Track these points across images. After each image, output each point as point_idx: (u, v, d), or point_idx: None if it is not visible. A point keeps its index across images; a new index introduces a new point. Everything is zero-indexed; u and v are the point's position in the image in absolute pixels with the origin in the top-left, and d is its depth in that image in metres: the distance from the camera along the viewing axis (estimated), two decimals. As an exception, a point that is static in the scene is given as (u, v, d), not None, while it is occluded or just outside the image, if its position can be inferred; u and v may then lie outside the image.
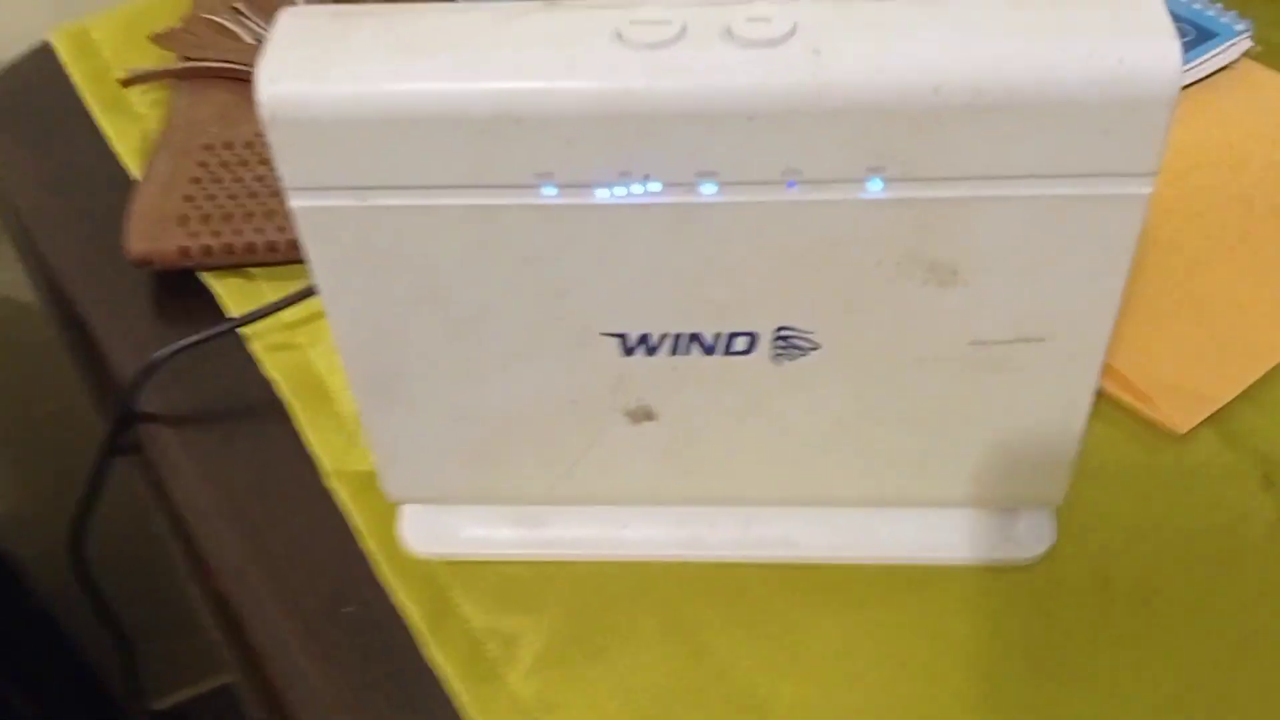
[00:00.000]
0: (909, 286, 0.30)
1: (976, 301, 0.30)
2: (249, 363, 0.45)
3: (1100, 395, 0.41)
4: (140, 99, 0.55)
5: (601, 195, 0.28)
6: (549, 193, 0.28)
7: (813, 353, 0.32)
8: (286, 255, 0.47)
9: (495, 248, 0.30)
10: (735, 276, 0.30)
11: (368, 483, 0.40)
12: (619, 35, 0.27)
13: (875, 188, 0.28)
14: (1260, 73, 0.53)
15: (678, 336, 0.32)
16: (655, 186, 0.28)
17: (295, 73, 0.27)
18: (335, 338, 0.32)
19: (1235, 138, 0.50)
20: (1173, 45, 0.26)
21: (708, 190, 0.28)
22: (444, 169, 0.28)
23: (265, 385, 0.44)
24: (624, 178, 0.28)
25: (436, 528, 0.39)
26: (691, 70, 0.27)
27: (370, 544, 0.39)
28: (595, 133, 0.27)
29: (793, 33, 0.27)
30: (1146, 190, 0.28)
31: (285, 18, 0.28)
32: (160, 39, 0.55)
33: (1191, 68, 0.52)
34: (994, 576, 0.37)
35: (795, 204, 0.28)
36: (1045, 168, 0.27)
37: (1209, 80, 0.53)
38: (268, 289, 0.47)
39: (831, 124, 0.27)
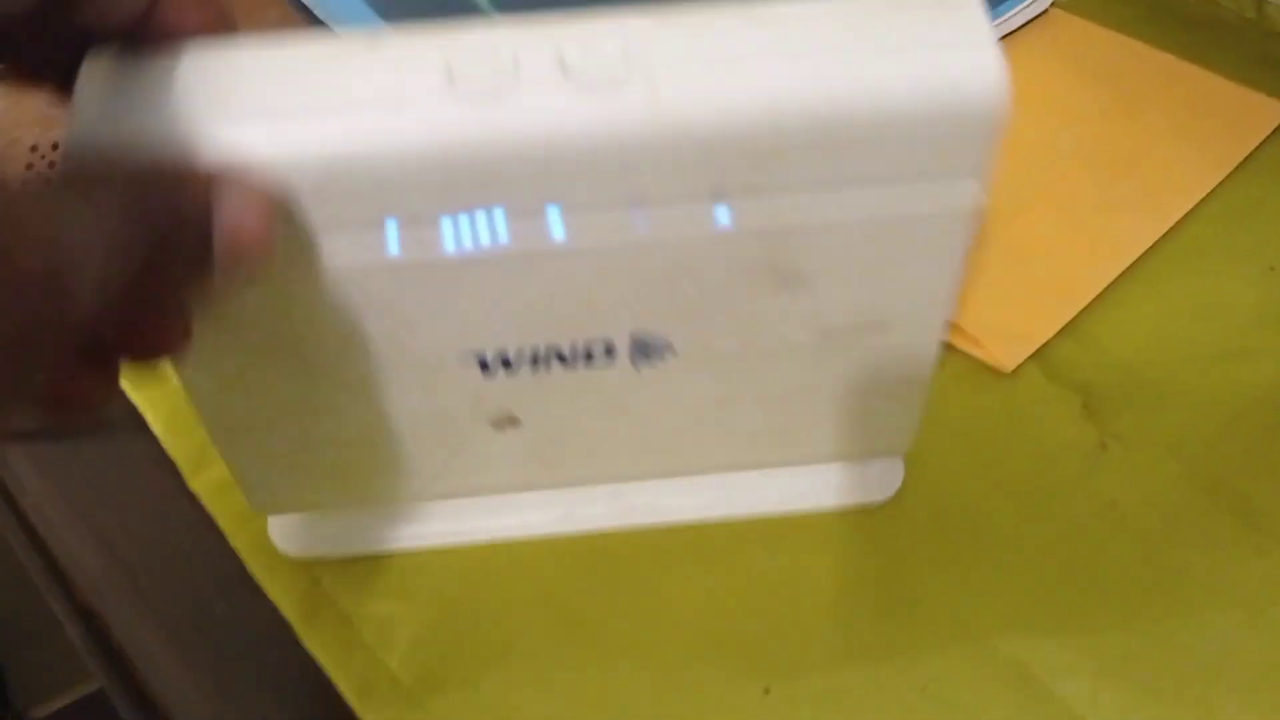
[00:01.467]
0: (758, 293, 0.31)
1: (823, 301, 0.31)
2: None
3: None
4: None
5: (448, 247, 0.28)
6: (394, 248, 0.28)
7: (669, 357, 0.32)
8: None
9: (342, 302, 0.29)
10: (588, 302, 0.30)
11: (232, 483, 0.40)
12: (450, 75, 0.26)
13: (721, 214, 0.28)
14: (1068, 21, 0.56)
15: (535, 353, 0.32)
16: (500, 231, 0.28)
17: (107, 125, 0.25)
18: (183, 383, 0.31)
19: (1046, 86, 0.53)
20: (994, 57, 0.27)
21: (555, 235, 0.28)
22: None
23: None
24: (468, 216, 0.28)
25: (305, 530, 0.39)
26: (528, 116, 0.26)
27: (237, 543, 0.39)
28: (433, 184, 0.27)
29: (626, 65, 0.26)
30: (980, 199, 0.29)
31: (90, 63, 0.26)
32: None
33: (1003, 20, 0.55)
34: (844, 521, 0.39)
35: (642, 239, 0.29)
36: (883, 181, 0.28)
37: (1021, 31, 0.56)
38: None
39: (673, 159, 0.27)
